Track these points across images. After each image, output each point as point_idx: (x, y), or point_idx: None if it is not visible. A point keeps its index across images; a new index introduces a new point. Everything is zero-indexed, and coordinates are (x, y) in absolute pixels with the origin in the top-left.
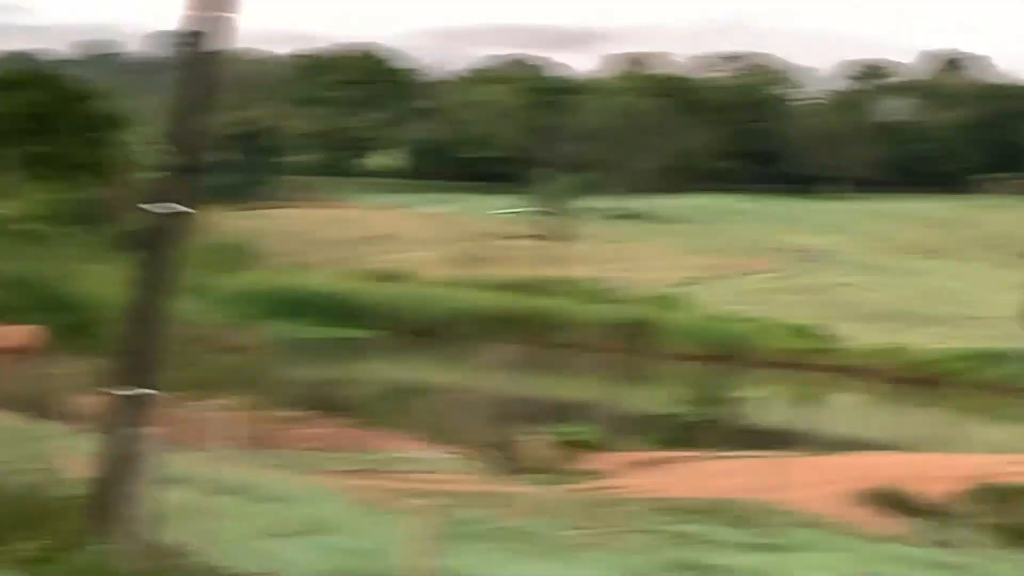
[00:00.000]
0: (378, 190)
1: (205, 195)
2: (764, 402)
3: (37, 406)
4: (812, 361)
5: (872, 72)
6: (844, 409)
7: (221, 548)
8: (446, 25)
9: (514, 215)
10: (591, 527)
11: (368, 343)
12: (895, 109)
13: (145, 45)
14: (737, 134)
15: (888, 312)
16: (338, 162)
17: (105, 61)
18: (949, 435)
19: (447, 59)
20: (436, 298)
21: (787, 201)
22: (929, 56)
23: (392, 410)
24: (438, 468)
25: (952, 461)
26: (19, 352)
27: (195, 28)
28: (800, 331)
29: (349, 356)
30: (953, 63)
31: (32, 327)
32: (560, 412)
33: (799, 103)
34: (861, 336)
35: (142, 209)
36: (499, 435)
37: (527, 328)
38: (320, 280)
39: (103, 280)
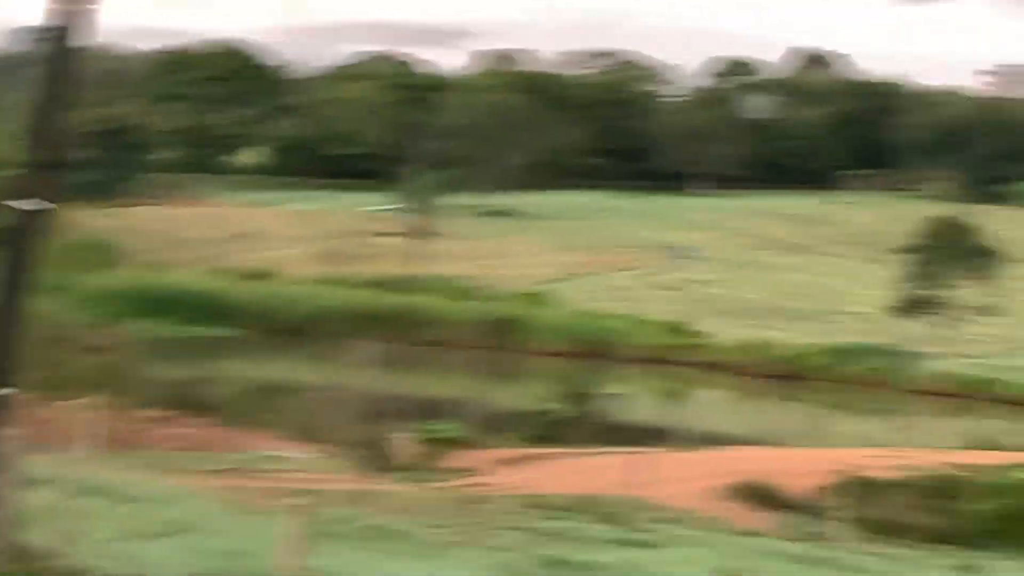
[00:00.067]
0: (244, 188)
1: (68, 192)
2: (632, 398)
3: None
4: (679, 357)
5: (737, 69)
6: (711, 405)
7: (86, 550)
8: (312, 21)
9: (381, 212)
10: (460, 525)
11: (235, 342)
12: (760, 106)
13: (5, 41)
14: (605, 131)
15: (754, 308)
16: (203, 159)
17: None
18: (814, 429)
19: (313, 55)
20: (303, 296)
21: (654, 198)
22: (793, 54)
23: (259, 409)
24: (306, 467)
25: (817, 455)
26: None
27: (57, 23)
28: (667, 327)
29: (215, 355)
30: (816, 61)
31: None
32: (429, 410)
33: (666, 100)
34: (727, 332)
35: (3, 206)
36: (368, 433)
37: (395, 326)
38: (185, 278)
39: None
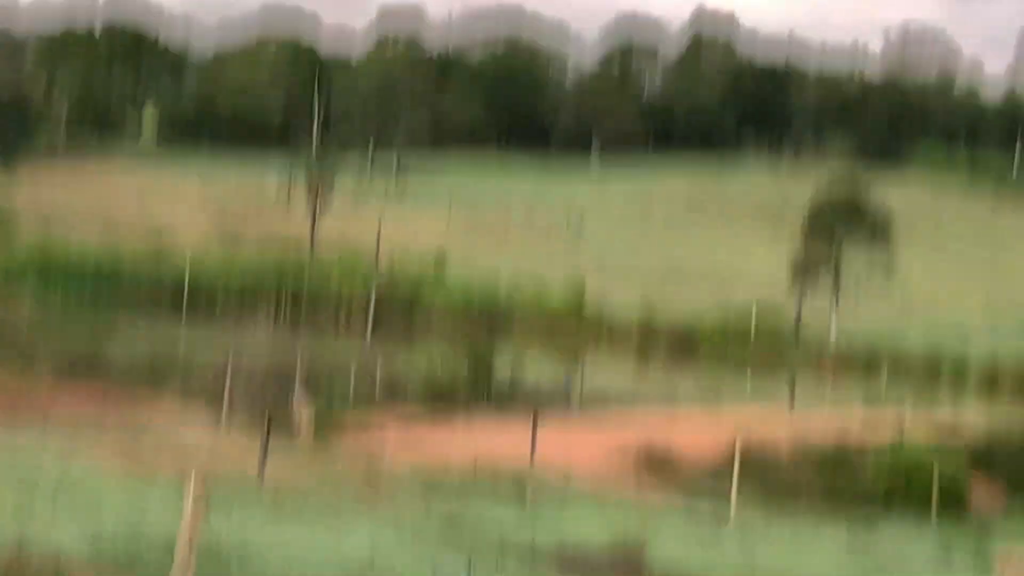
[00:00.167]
0: (141, 157)
1: None
2: (528, 366)
3: None
4: (574, 325)
5: (635, 38)
6: (607, 371)
7: None
8: None
9: (278, 181)
10: (359, 491)
11: (131, 311)
12: (656, 78)
13: None
14: (503, 101)
15: (651, 275)
16: (100, 129)
17: None
18: (710, 395)
19: (209, 29)
20: (199, 265)
21: (550, 163)
22: (688, 26)
23: (157, 378)
24: (201, 437)
25: (714, 421)
26: None
27: None
28: (562, 295)
29: (112, 324)
30: (710, 32)
31: None
32: (323, 381)
33: (564, 73)
34: (624, 299)
35: None
36: (262, 404)
37: (290, 292)
38: (81, 247)
39: None
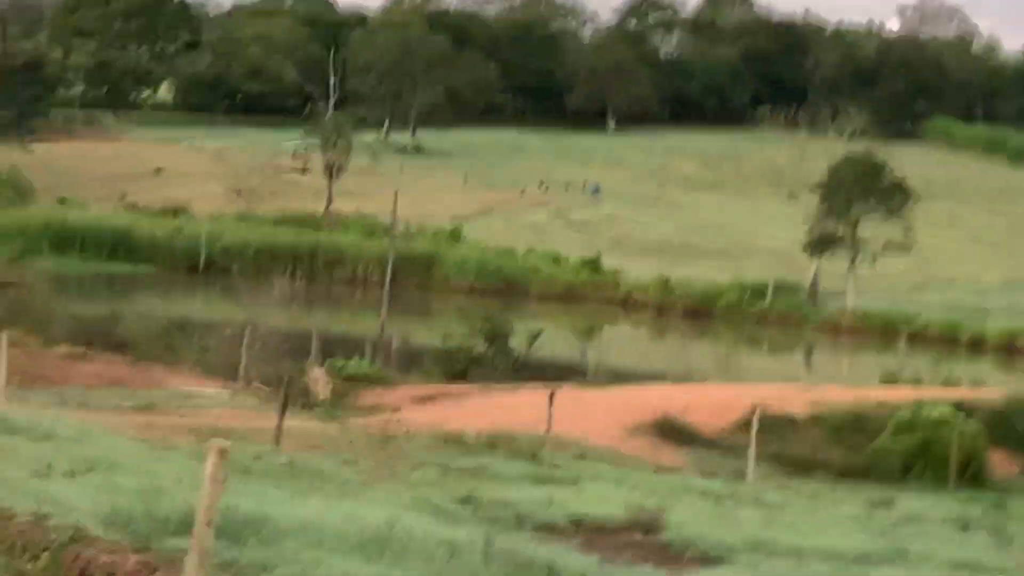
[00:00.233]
0: (155, 124)
1: None
2: (544, 336)
3: None
4: (590, 295)
5: (649, 7)
6: (624, 342)
7: None
8: None
9: (292, 150)
10: (376, 462)
11: (146, 279)
12: (670, 44)
13: None
14: (518, 69)
15: (666, 245)
16: (114, 95)
17: None
18: (727, 366)
19: None
20: (213, 233)
21: (567, 136)
22: None
23: (171, 346)
24: (219, 404)
25: (731, 392)
26: None
27: None
28: (580, 264)
29: (127, 292)
30: None
31: None
32: (341, 347)
33: (578, 38)
34: (640, 269)
35: None
36: (280, 370)
37: (306, 263)
38: (96, 215)
39: None
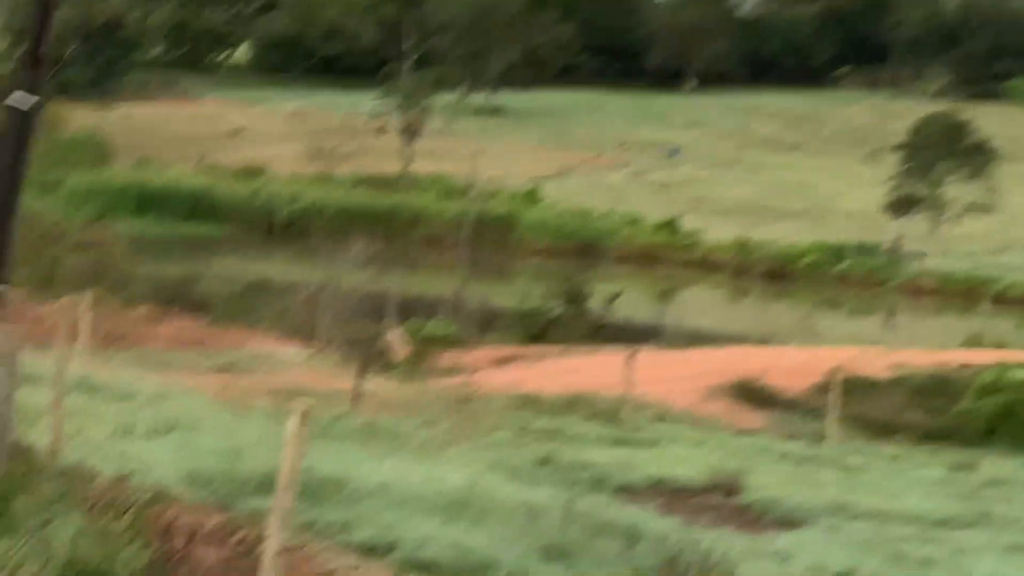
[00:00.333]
0: (234, 85)
1: (58, 90)
2: (624, 297)
3: None
4: (669, 256)
5: None
6: (700, 304)
7: (78, 448)
8: None
9: (371, 110)
10: (454, 424)
11: (224, 240)
12: (750, 2)
13: None
14: (596, 28)
15: (745, 207)
16: (193, 57)
17: None
18: (807, 329)
19: None
20: (291, 194)
21: (645, 96)
22: None
23: (249, 307)
24: (297, 366)
25: (810, 354)
26: None
27: None
28: (658, 226)
29: (204, 253)
30: None
31: None
32: (419, 308)
33: None
34: (719, 231)
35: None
36: (358, 332)
37: (384, 224)
38: (175, 176)
39: None
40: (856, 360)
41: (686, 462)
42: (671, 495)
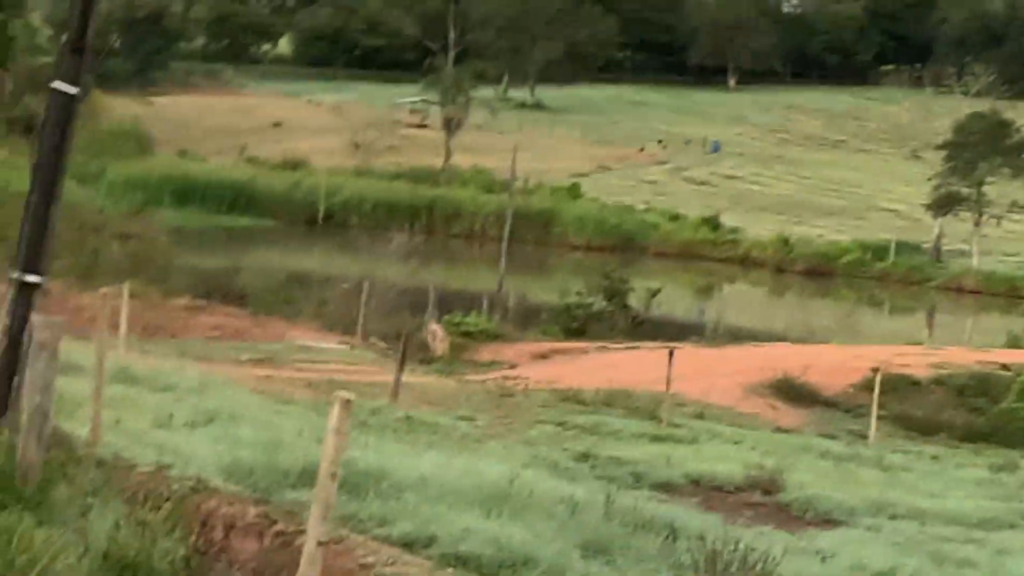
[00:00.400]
0: (275, 78)
1: (101, 80)
2: (661, 293)
3: None
4: (709, 253)
5: None
6: (740, 301)
7: (118, 438)
8: None
9: (410, 104)
10: (493, 418)
11: (265, 232)
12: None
13: None
14: (638, 24)
15: (787, 204)
16: (235, 49)
17: None
18: (848, 326)
19: None
20: (331, 187)
21: (687, 92)
22: None
23: (290, 300)
24: (337, 358)
25: (852, 352)
26: None
27: None
28: (700, 222)
29: (245, 245)
30: None
31: None
32: (458, 302)
33: None
34: (760, 228)
35: (37, 92)
36: (398, 325)
37: (424, 218)
38: (216, 168)
39: None
40: (897, 359)
41: (725, 459)
42: (710, 492)
